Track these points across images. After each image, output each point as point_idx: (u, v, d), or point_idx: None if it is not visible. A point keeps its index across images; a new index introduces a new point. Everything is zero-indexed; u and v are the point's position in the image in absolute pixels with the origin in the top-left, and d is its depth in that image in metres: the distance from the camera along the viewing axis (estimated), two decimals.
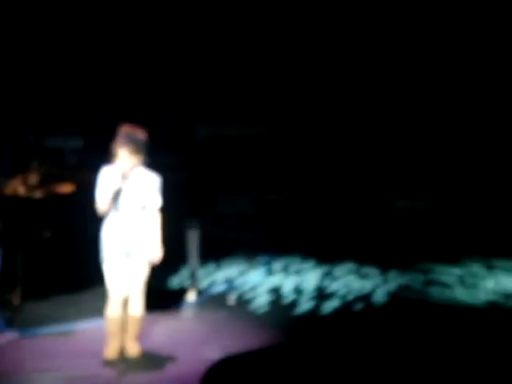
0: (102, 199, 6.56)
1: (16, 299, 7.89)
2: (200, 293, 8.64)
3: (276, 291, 9.01)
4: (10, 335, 7.42)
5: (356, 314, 8.41)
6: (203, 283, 9.04)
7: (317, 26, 11.32)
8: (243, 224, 10.69)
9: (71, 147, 8.64)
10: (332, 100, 11.24)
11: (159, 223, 6.71)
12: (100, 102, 9.77)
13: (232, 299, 8.59)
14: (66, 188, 7.91)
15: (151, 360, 6.79)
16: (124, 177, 6.55)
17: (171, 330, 7.68)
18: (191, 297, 8.48)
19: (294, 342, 7.38)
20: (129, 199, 6.61)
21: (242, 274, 9.53)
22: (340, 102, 11.26)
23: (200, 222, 8.50)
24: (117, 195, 6.54)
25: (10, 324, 7.53)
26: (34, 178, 7.91)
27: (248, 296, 8.81)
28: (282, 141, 11.17)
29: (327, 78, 11.17)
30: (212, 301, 8.62)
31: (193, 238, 8.49)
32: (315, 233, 10.91)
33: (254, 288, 9.06)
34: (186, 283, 8.70)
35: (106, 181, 6.58)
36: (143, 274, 6.72)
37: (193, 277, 8.55)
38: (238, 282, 9.26)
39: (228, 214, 10.37)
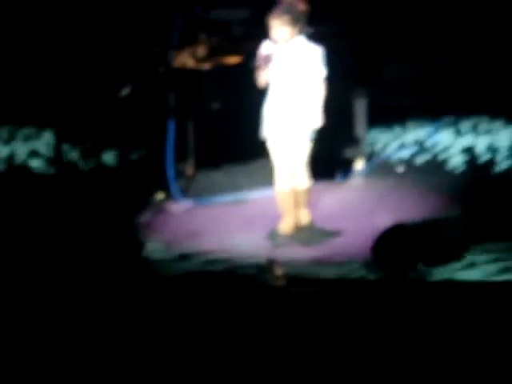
0: (258, 71, 6.56)
1: (190, 169, 8.14)
2: (369, 160, 8.62)
3: (469, 151, 8.85)
4: (186, 204, 7.72)
5: None
6: (375, 150, 9.00)
7: None
8: (414, 89, 10.45)
9: (238, 18, 8.64)
10: None
11: (322, 94, 6.62)
12: None
13: (401, 166, 8.55)
14: (234, 59, 7.98)
15: (321, 229, 6.91)
16: (280, 46, 6.50)
17: (339, 198, 7.70)
18: (359, 165, 8.49)
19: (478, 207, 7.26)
20: (288, 71, 6.57)
21: (427, 136, 9.35)
22: None
23: (368, 90, 8.41)
24: (268, 62, 6.50)
25: (184, 193, 7.82)
26: (202, 50, 8.01)
27: (441, 157, 8.73)
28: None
29: None
30: (381, 168, 8.60)
31: (360, 107, 8.43)
32: (495, 93, 10.45)
33: (445, 149, 8.92)
34: (355, 151, 8.67)
35: (263, 53, 6.55)
36: (307, 146, 6.70)
37: (360, 145, 8.54)
38: (427, 144, 9.14)
39: (397, 81, 10.13)
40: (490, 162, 8.51)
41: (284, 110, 6.63)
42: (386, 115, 9.35)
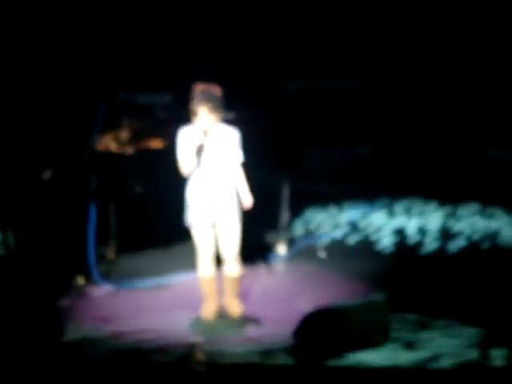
0: (184, 160, 6.53)
1: (111, 253, 8.07)
2: (291, 245, 8.65)
3: (400, 232, 8.97)
4: (106, 288, 7.61)
5: (484, 252, 8.36)
6: (308, 230, 9.06)
7: None
8: (336, 176, 10.63)
9: (161, 103, 8.70)
10: (421, 50, 10.99)
11: (243, 177, 6.61)
12: (189, 57, 9.79)
13: (323, 251, 8.60)
14: (157, 144, 8.00)
15: (244, 316, 6.80)
16: (205, 134, 6.54)
17: (262, 284, 7.65)
18: (282, 249, 8.51)
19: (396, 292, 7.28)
20: (211, 157, 6.54)
21: (360, 217, 9.48)
22: (430, 52, 11.00)
23: (290, 176, 8.48)
24: (199, 153, 6.51)
25: (105, 277, 7.72)
26: (125, 134, 8.01)
27: (372, 237, 8.85)
28: (371, 93, 11.01)
29: (416, 30, 10.91)
30: (305, 252, 8.63)
31: (284, 192, 8.48)
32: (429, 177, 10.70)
33: (377, 230, 9.02)
34: (278, 236, 8.68)
35: (187, 141, 6.53)
36: (234, 232, 6.64)
37: (283, 230, 8.57)
38: (360, 224, 9.24)
39: (318, 168, 10.32)
40: (419, 244, 8.64)
41: (208, 196, 6.59)
42: (321, 197, 9.50)
